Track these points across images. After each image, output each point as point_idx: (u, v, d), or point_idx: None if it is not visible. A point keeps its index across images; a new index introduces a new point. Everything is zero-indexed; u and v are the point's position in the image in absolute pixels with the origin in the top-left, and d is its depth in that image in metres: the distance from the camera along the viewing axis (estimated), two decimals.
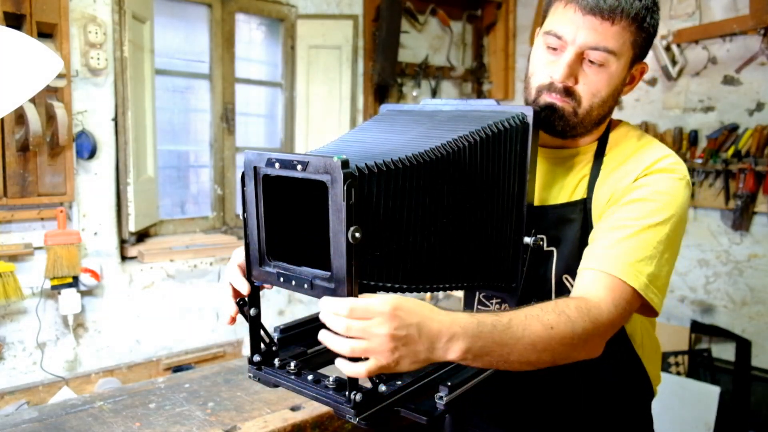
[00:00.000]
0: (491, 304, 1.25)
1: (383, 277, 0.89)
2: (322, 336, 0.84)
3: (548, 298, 1.15)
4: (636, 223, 1.04)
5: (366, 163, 0.84)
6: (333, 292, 0.84)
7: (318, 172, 0.82)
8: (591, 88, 1.08)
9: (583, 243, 1.11)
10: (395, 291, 0.92)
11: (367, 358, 0.82)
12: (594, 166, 1.15)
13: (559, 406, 1.22)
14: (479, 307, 1.27)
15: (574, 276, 1.09)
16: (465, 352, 0.85)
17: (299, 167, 0.84)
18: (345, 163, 0.79)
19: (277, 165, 0.88)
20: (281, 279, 0.94)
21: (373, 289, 0.86)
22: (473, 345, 0.85)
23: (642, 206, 1.06)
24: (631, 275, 1.01)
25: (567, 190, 1.17)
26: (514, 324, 0.90)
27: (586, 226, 1.12)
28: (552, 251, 1.14)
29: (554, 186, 1.18)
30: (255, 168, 0.92)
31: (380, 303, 0.80)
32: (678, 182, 1.08)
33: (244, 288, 0.98)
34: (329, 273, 0.85)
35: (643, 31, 1.07)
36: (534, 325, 0.91)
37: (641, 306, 1.04)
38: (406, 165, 0.89)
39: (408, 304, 0.83)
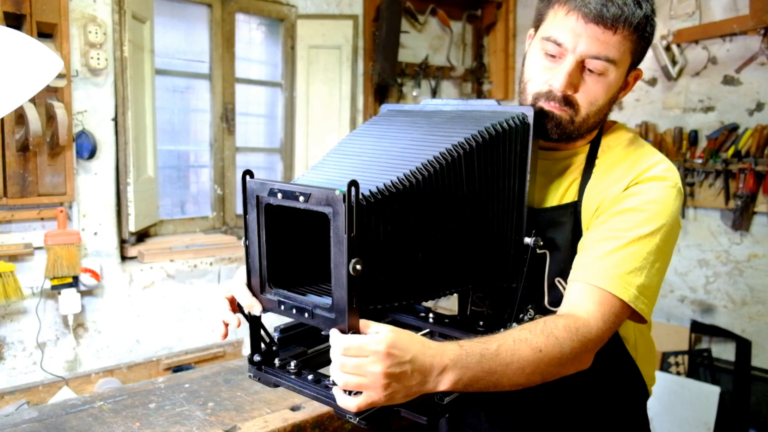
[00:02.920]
0: (485, 305, 1.25)
1: (388, 298, 0.91)
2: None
3: (541, 299, 1.15)
4: (626, 234, 1.03)
5: (364, 195, 0.85)
6: (333, 323, 0.86)
7: (320, 204, 0.83)
8: (589, 96, 1.07)
9: (574, 246, 1.10)
10: (401, 306, 0.93)
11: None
12: (585, 170, 1.14)
13: (554, 407, 1.22)
14: (472, 307, 1.27)
15: (566, 278, 1.09)
16: (455, 383, 0.87)
17: (301, 198, 0.86)
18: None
19: (279, 195, 0.89)
20: (282, 307, 0.95)
21: (380, 312, 0.88)
22: (463, 376, 0.87)
23: (632, 216, 1.05)
24: (620, 288, 1.01)
25: (558, 192, 1.16)
26: (502, 351, 0.90)
27: (577, 230, 1.12)
28: (545, 254, 1.14)
29: (546, 188, 1.18)
30: (257, 197, 0.93)
31: (374, 342, 0.82)
32: (669, 190, 1.07)
33: (257, 308, 0.98)
34: (330, 302, 0.86)
35: (642, 39, 1.06)
36: (523, 349, 0.92)
37: (631, 314, 1.04)
38: (405, 185, 0.89)
39: (401, 341, 0.83)
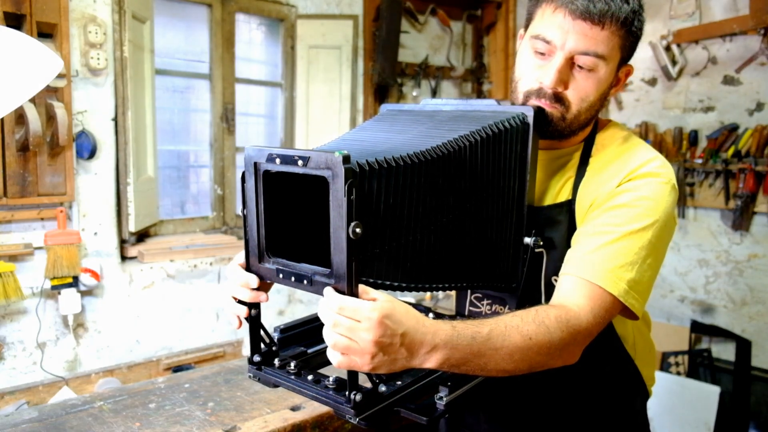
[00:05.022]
0: (482, 305, 1.25)
1: (382, 275, 0.89)
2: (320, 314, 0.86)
3: (538, 299, 1.15)
4: (618, 229, 1.04)
5: (367, 160, 0.84)
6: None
7: (319, 167, 0.82)
8: (580, 93, 1.08)
9: (569, 245, 1.10)
10: (394, 289, 0.92)
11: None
12: (579, 168, 1.15)
13: (553, 407, 1.22)
14: (470, 308, 1.27)
15: None
16: (442, 363, 0.87)
17: (300, 162, 0.84)
18: (346, 159, 0.79)
19: (277, 160, 0.88)
20: (281, 275, 0.93)
21: (373, 287, 0.87)
22: (451, 356, 0.87)
23: (624, 212, 1.05)
24: (610, 282, 1.01)
25: (553, 191, 1.16)
26: (493, 335, 0.90)
27: (572, 229, 1.12)
28: (542, 253, 1.14)
29: (542, 187, 1.18)
30: (255, 164, 0.91)
31: (369, 308, 0.81)
32: (663, 186, 1.07)
33: (253, 280, 0.97)
34: (329, 269, 0.85)
35: (631, 34, 1.07)
36: (513, 335, 0.92)
37: (622, 310, 1.04)
38: (407, 162, 0.89)
39: (397, 313, 0.83)
